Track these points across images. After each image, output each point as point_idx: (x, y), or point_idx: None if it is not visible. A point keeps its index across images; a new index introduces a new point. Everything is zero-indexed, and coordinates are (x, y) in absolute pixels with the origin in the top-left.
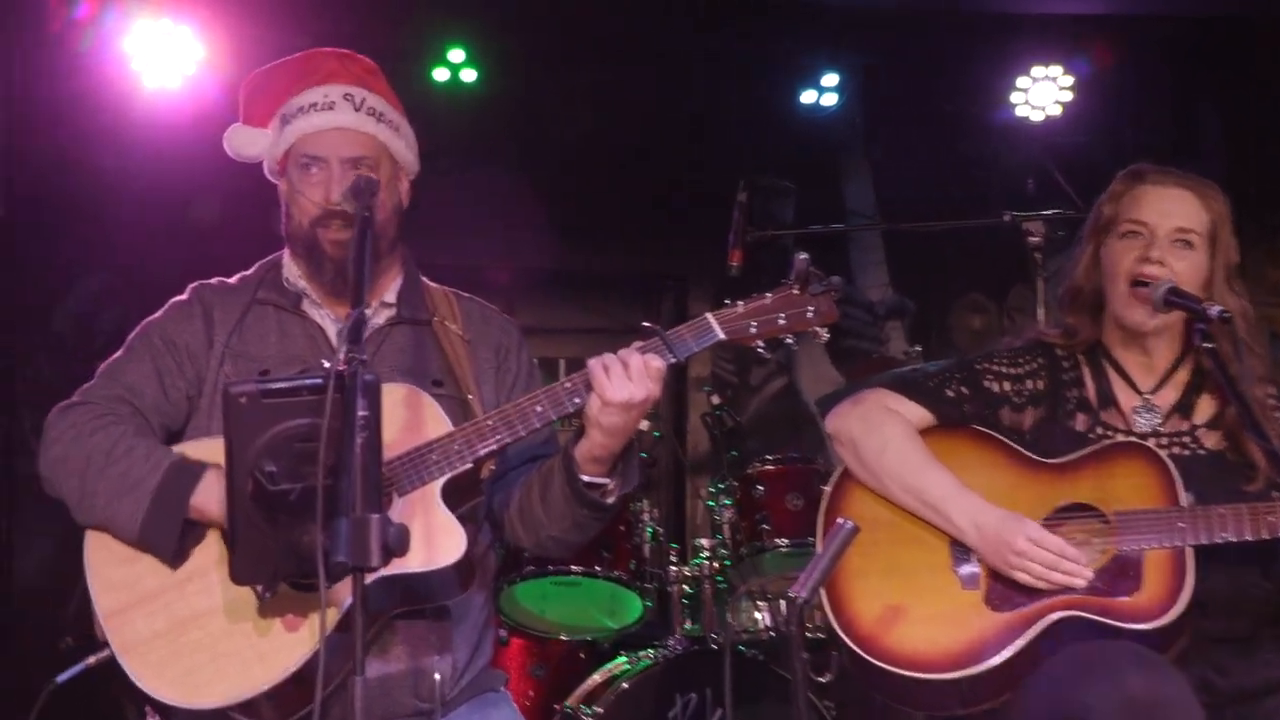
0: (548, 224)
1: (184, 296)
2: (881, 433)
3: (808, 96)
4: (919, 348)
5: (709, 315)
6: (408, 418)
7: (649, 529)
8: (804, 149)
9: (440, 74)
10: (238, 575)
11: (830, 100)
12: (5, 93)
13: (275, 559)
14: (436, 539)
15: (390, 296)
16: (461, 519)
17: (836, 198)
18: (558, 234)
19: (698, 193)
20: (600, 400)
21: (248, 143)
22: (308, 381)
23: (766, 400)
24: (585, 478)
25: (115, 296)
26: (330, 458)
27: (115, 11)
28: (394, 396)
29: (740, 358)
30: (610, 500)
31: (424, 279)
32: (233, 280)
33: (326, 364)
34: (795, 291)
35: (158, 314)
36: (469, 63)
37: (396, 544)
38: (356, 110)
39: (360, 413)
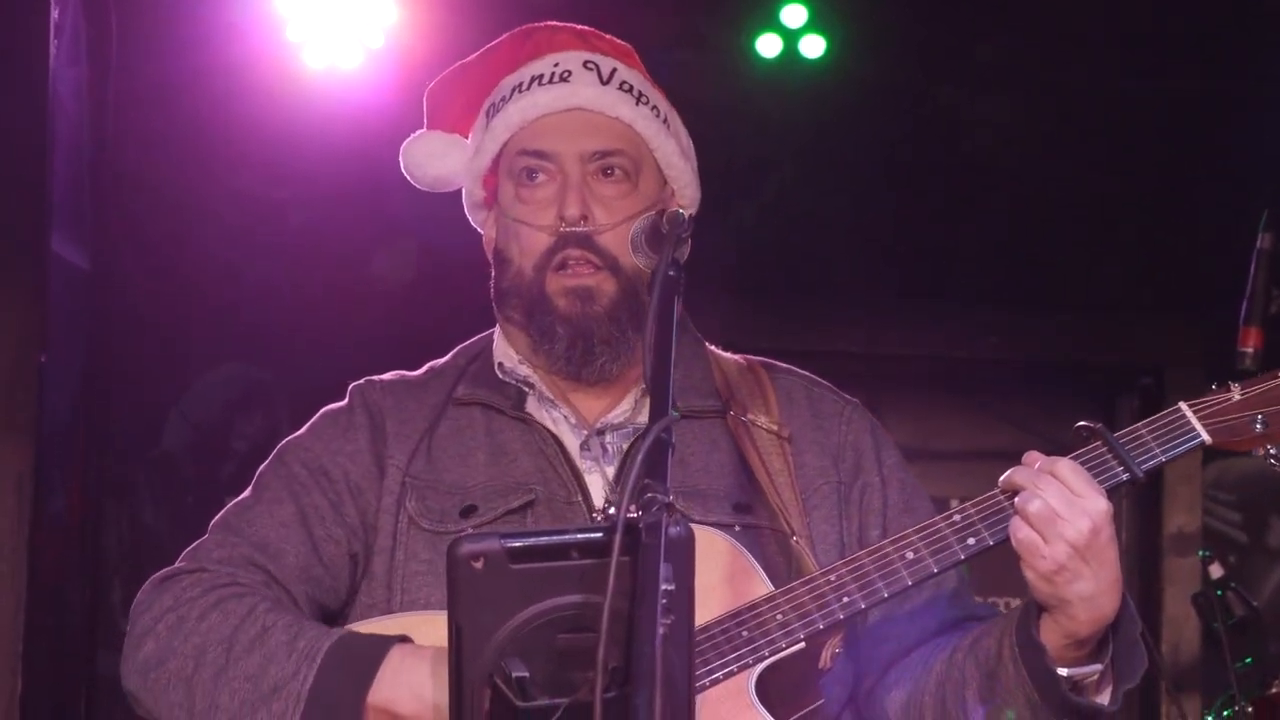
0: (929, 283)
1: (340, 403)
2: None
3: None
4: None
5: (1183, 406)
6: (700, 572)
7: None
8: None
9: (768, 44)
10: None
11: None
12: (93, 83)
13: None
14: None
15: None
16: None
17: None
18: (944, 300)
19: (1181, 233)
20: (1034, 572)
21: (431, 156)
22: (578, 536)
23: None
24: (1065, 671)
25: (258, 400)
26: (614, 657)
27: None
28: None
29: (1251, 500)
30: (1106, 703)
31: (710, 347)
32: (417, 374)
33: (610, 507)
34: None
35: (301, 431)
36: (812, 27)
37: None
38: (604, 83)
39: (664, 586)
